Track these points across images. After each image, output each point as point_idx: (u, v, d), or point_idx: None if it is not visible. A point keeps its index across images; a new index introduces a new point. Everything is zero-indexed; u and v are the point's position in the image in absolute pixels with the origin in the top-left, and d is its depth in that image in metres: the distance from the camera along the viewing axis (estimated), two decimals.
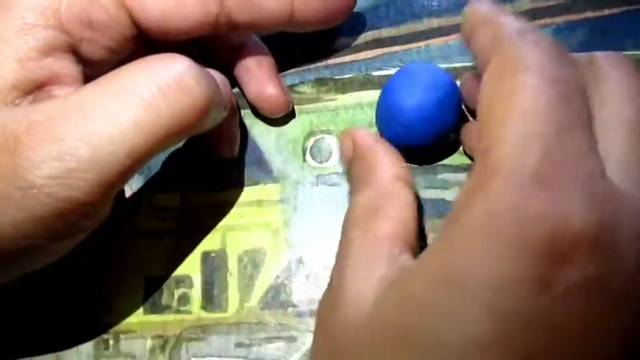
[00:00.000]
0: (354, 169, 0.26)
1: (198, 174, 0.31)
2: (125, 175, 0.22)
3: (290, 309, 0.28)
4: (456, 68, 0.32)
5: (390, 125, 0.28)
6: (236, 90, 0.32)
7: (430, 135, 0.27)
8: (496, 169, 0.17)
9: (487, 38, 0.21)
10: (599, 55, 0.21)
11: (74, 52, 0.24)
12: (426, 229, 0.28)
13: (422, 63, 0.30)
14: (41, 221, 0.21)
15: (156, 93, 0.22)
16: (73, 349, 0.28)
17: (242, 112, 0.32)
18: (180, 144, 0.31)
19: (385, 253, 0.21)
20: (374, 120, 0.30)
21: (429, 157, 0.30)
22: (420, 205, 0.25)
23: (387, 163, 0.25)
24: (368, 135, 0.26)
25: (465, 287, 0.17)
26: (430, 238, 0.28)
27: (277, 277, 0.28)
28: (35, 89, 0.23)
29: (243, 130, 0.31)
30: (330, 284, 0.22)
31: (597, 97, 0.20)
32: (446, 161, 0.30)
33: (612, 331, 0.17)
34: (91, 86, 0.22)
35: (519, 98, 0.18)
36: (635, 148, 0.19)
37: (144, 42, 0.27)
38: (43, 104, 0.22)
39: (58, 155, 0.20)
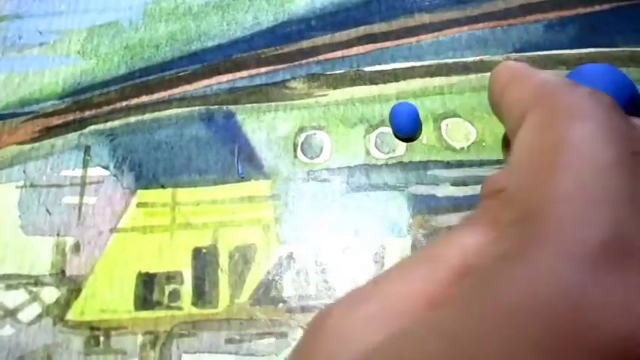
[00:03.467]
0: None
1: (190, 170, 0.31)
2: None
3: (280, 305, 0.28)
4: None
5: None
6: (225, 86, 0.32)
7: None
8: (541, 237, 0.13)
9: (527, 89, 0.17)
10: None
11: None
12: (415, 225, 0.29)
13: (599, 65, 0.26)
14: None
15: None
16: (64, 346, 0.28)
17: (233, 107, 0.32)
18: (172, 140, 0.31)
19: None
20: (366, 116, 0.30)
21: None
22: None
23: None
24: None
25: None
26: (419, 233, 0.28)
27: (268, 273, 0.28)
28: None
29: (235, 126, 0.31)
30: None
31: None
32: (437, 157, 0.30)
33: None
34: None
35: (573, 151, 0.14)
36: None
37: None
38: None
39: None
